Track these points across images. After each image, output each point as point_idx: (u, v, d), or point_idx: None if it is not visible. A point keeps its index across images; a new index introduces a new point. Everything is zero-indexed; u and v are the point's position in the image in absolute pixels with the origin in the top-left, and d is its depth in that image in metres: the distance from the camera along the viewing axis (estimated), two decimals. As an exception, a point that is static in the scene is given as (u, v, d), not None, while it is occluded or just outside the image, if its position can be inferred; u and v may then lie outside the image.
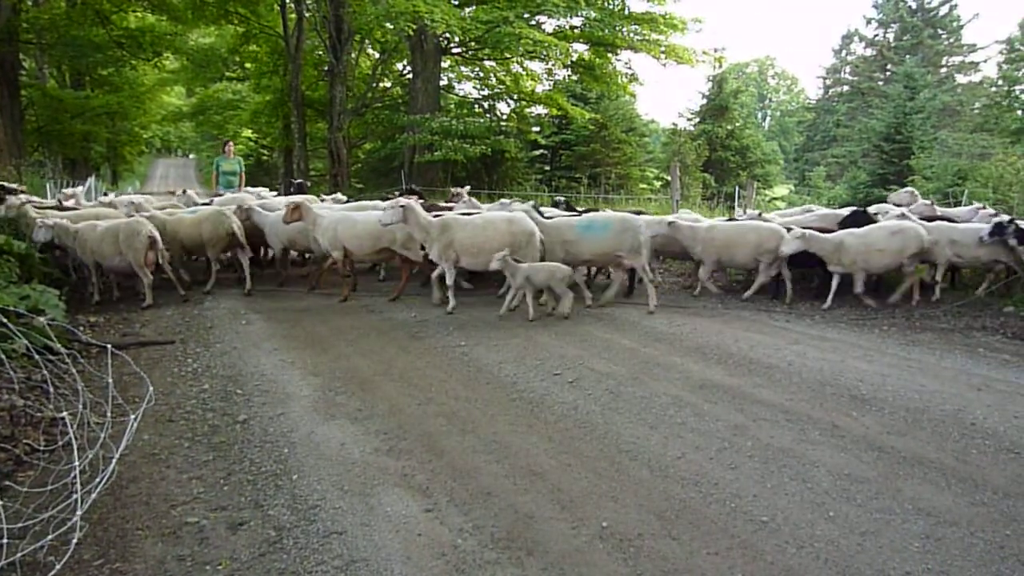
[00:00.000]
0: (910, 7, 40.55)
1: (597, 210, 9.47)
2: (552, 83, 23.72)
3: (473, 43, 19.70)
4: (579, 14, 18.54)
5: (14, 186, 8.81)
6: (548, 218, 7.91)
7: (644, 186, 27.44)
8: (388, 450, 4.00)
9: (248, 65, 27.65)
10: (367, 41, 23.22)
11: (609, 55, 20.68)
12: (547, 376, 5.25)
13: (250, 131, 32.96)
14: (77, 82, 28.42)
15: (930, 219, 7.78)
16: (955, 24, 39.40)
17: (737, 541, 3.05)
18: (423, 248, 7.56)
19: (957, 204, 11.82)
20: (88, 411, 3.78)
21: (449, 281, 7.31)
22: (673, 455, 3.90)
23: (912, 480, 3.58)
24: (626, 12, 18.96)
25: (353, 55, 21.78)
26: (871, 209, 8.90)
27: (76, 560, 2.90)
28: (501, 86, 24.31)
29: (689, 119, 34.36)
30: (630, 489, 3.52)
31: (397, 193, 11.05)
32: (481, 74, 24.55)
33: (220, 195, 11.53)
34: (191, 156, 58.66)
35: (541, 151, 26.87)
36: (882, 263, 7.19)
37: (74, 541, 2.79)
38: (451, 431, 4.26)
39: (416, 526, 3.18)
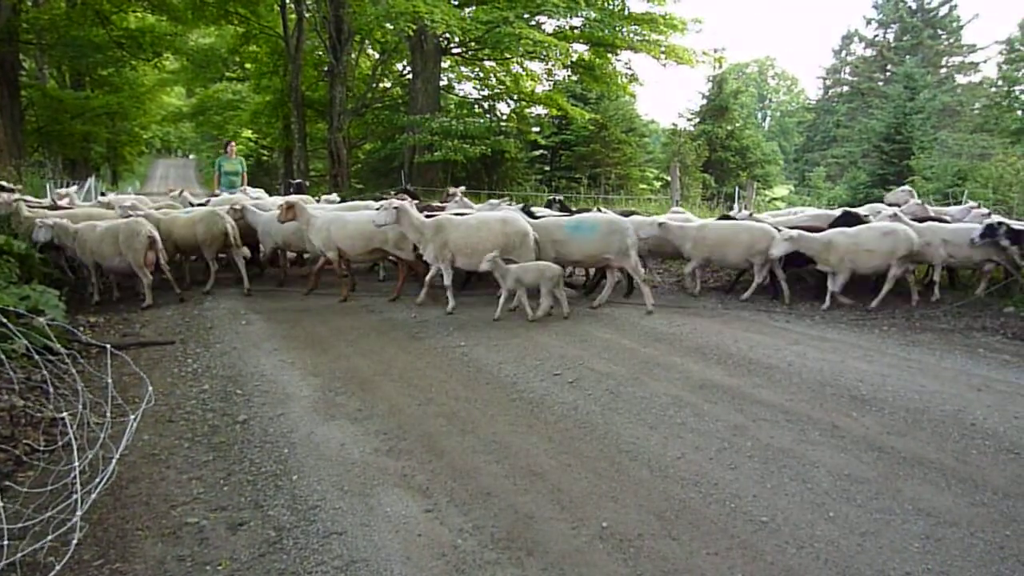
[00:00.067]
0: (910, 7, 40.58)
1: (590, 211, 9.45)
2: (552, 83, 23.76)
3: (473, 43, 19.71)
4: (579, 14, 18.55)
5: (7, 184, 8.80)
6: (538, 218, 7.92)
7: (644, 186, 27.42)
8: (388, 450, 4.00)
9: (248, 65, 27.65)
10: (367, 41, 23.22)
11: (609, 55, 20.69)
12: (547, 376, 5.25)
13: (250, 131, 32.96)
14: (77, 82, 28.43)
15: (921, 220, 7.78)
16: (955, 24, 39.44)
17: (737, 541, 3.05)
18: (415, 248, 7.57)
19: (957, 204, 11.82)
20: (88, 411, 3.78)
21: (447, 281, 7.31)
22: (673, 455, 3.90)
23: (912, 480, 3.58)
24: (626, 12, 18.97)
25: (353, 55, 21.78)
26: (863, 209, 8.91)
27: (76, 560, 2.90)
28: (501, 86, 24.32)
29: (689, 119, 34.39)
30: (630, 489, 3.52)
31: (392, 193, 11.05)
32: (481, 74, 24.56)
33: (217, 195, 11.55)
34: (191, 156, 58.67)
35: (541, 151, 26.87)
36: (871, 264, 7.18)
37: (74, 541, 2.79)
38: (451, 431, 4.26)
39: (416, 526, 3.18)
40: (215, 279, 8.54)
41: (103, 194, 13.67)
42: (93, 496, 3.04)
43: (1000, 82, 29.77)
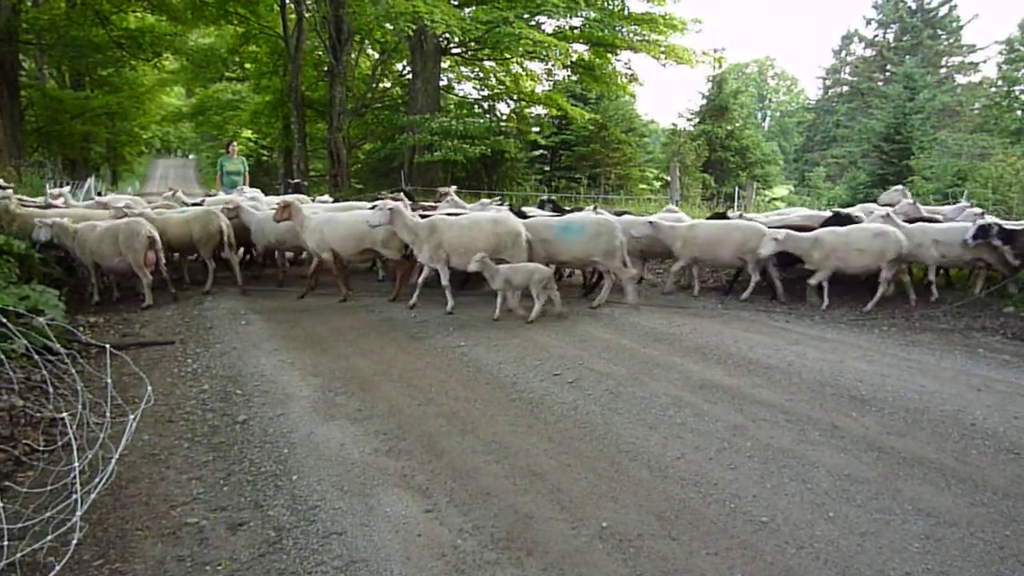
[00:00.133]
0: (910, 8, 40.57)
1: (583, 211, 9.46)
2: (552, 83, 23.75)
3: (473, 43, 19.69)
4: (579, 14, 18.53)
5: (1, 182, 8.80)
6: (528, 217, 7.94)
7: (644, 186, 27.42)
8: (388, 450, 4.00)
9: (248, 65, 27.65)
10: (367, 41, 23.21)
11: (609, 55, 20.68)
12: (547, 376, 5.25)
13: (250, 131, 32.96)
14: (77, 82, 28.45)
15: (912, 220, 7.78)
16: (955, 24, 39.42)
17: (737, 541, 3.05)
18: (407, 248, 7.60)
19: (957, 204, 11.82)
20: (87, 411, 3.78)
21: (445, 282, 7.31)
22: (673, 455, 3.90)
23: (912, 481, 3.58)
24: (626, 12, 18.96)
25: (353, 55, 21.77)
26: (855, 209, 8.90)
27: (76, 560, 2.90)
28: (501, 86, 24.31)
29: (689, 119, 34.41)
30: (630, 489, 3.52)
31: (385, 194, 11.07)
32: (481, 74, 24.55)
33: (213, 195, 11.59)
34: (191, 156, 58.66)
35: (541, 151, 26.86)
36: (860, 263, 7.19)
37: (74, 542, 2.79)
38: (451, 431, 4.26)
39: (416, 526, 3.18)
40: (214, 278, 8.55)
41: (99, 194, 13.67)
42: (93, 496, 3.04)
43: (1000, 82, 29.77)
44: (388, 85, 25.69)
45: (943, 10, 39.44)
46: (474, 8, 18.95)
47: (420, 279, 7.58)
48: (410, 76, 21.77)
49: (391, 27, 18.22)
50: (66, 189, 11.24)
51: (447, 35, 18.81)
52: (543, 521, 3.23)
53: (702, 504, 3.37)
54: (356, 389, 5.03)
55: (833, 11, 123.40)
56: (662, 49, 19.12)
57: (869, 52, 43.44)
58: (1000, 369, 5.42)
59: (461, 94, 26.11)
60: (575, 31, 20.00)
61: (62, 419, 3.79)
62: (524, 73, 23.36)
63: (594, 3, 18.70)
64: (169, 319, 7.21)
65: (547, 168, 27.28)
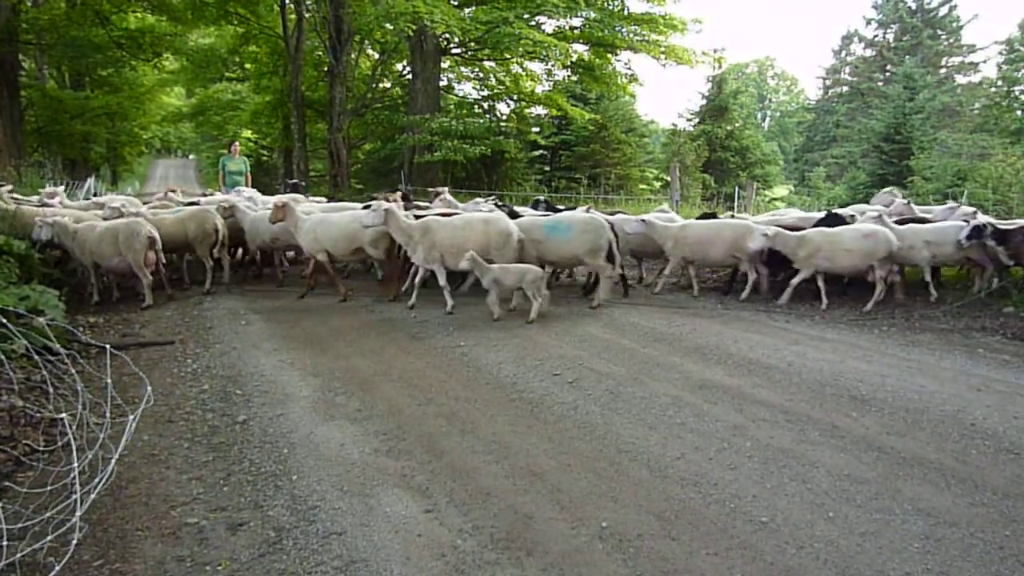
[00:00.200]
0: (910, 8, 40.60)
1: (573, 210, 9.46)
2: (552, 83, 23.76)
3: (473, 43, 19.69)
4: (579, 15, 18.54)
5: None
6: (521, 218, 7.95)
7: (644, 187, 27.43)
8: (388, 451, 4.00)
9: (248, 66, 27.66)
10: (367, 42, 23.21)
11: (609, 56, 20.68)
12: (547, 376, 5.25)
13: (250, 132, 32.97)
14: (77, 83, 28.43)
15: (902, 222, 7.78)
16: (955, 25, 39.46)
17: (737, 541, 3.05)
18: (400, 249, 7.62)
19: (969, 206, 11.82)
20: (87, 412, 3.78)
21: (442, 282, 7.31)
22: (673, 455, 3.90)
23: (912, 481, 3.58)
24: (626, 13, 18.96)
25: (353, 56, 21.77)
26: (847, 211, 8.91)
27: (76, 561, 2.90)
28: (501, 86, 24.30)
29: (689, 120, 34.43)
30: (630, 489, 3.52)
31: (382, 195, 11.11)
32: (481, 74, 24.55)
33: (208, 195, 11.64)
34: (191, 157, 58.64)
35: (541, 152, 26.87)
36: (849, 263, 7.19)
37: (74, 542, 2.79)
38: (451, 431, 4.26)
39: (416, 527, 3.18)
40: (213, 278, 8.56)
41: (95, 194, 13.66)
42: (92, 496, 3.04)
43: (1000, 82, 29.80)
44: (388, 85, 25.70)
45: (943, 10, 39.48)
46: (474, 8, 18.95)
47: (417, 279, 7.59)
48: (410, 76, 21.77)
49: (391, 27, 18.22)
50: (61, 188, 11.24)
51: (447, 35, 18.82)
52: (543, 521, 3.23)
53: (702, 504, 3.37)
54: (356, 389, 5.03)
55: (833, 11, 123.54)
56: (662, 49, 19.13)
57: (869, 52, 43.47)
58: (1000, 369, 5.42)
59: (461, 94, 26.13)
60: (575, 31, 20.01)
61: (62, 419, 3.79)
62: (524, 73, 23.37)
63: (594, 3, 18.70)
64: (169, 319, 7.21)
65: (547, 168, 27.29)
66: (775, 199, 29.34)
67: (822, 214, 8.71)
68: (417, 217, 7.71)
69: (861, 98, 40.56)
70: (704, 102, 33.19)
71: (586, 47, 20.58)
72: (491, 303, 6.90)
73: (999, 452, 3.90)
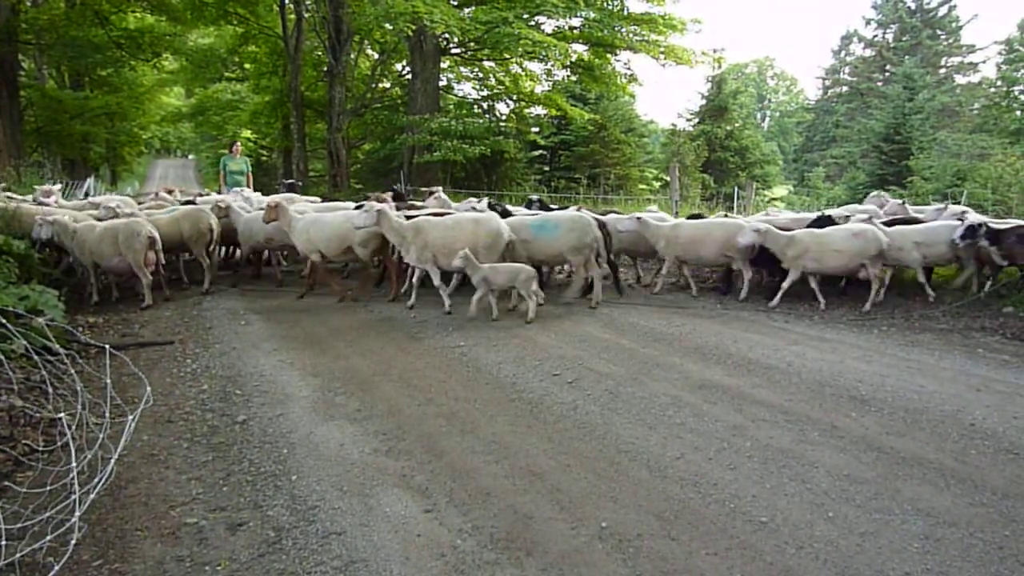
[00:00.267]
0: (909, 8, 40.62)
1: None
2: (551, 84, 23.75)
3: (472, 43, 19.68)
4: (578, 15, 18.53)
5: None
6: (511, 216, 7.96)
7: (643, 187, 27.42)
8: (387, 451, 4.00)
9: (247, 66, 27.64)
10: (366, 42, 23.20)
11: (608, 56, 20.68)
12: (546, 376, 5.25)
13: (249, 132, 32.97)
14: (76, 83, 28.41)
15: (890, 223, 7.79)
16: (954, 25, 39.48)
17: (736, 541, 3.05)
18: (394, 250, 7.64)
19: (956, 204, 11.83)
20: (87, 412, 3.78)
21: (437, 282, 7.33)
22: (672, 455, 3.90)
23: (911, 481, 3.58)
24: (625, 13, 18.96)
25: (352, 56, 21.75)
26: (840, 212, 8.91)
27: (75, 561, 2.90)
28: (500, 86, 24.30)
29: (688, 120, 34.42)
30: (629, 489, 3.52)
31: (371, 196, 11.13)
32: (480, 74, 24.54)
33: (203, 195, 11.67)
34: (190, 157, 58.61)
35: (540, 152, 26.86)
36: (838, 263, 7.19)
37: (73, 542, 2.79)
38: (450, 431, 4.26)
39: (415, 527, 3.18)
40: (211, 277, 8.57)
41: (87, 195, 13.65)
42: (92, 496, 3.04)
43: (999, 82, 29.79)
44: (387, 85, 25.69)
45: (943, 10, 39.50)
46: (474, 8, 18.94)
47: (415, 278, 7.60)
48: (409, 76, 21.76)
49: (390, 27, 18.21)
50: (56, 187, 11.23)
51: (446, 35, 18.80)
52: (543, 521, 3.23)
53: (702, 504, 3.37)
54: (355, 389, 5.03)
55: (833, 11, 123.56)
56: (661, 49, 19.12)
57: (868, 52, 43.50)
58: (999, 369, 5.42)
59: (460, 94, 26.12)
60: (575, 31, 20.01)
61: (61, 419, 3.79)
62: (523, 73, 23.36)
63: (594, 3, 18.70)
64: (168, 319, 7.21)
65: (547, 168, 27.28)
66: (774, 199, 29.31)
67: (815, 215, 8.72)
68: (408, 217, 7.71)
69: (860, 98, 40.58)
70: (703, 102, 33.19)
71: (585, 47, 20.58)
72: (475, 301, 6.91)
73: (998, 452, 3.90)
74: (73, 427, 3.46)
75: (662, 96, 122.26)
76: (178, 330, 6.76)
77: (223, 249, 10.05)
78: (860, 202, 11.21)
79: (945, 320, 6.96)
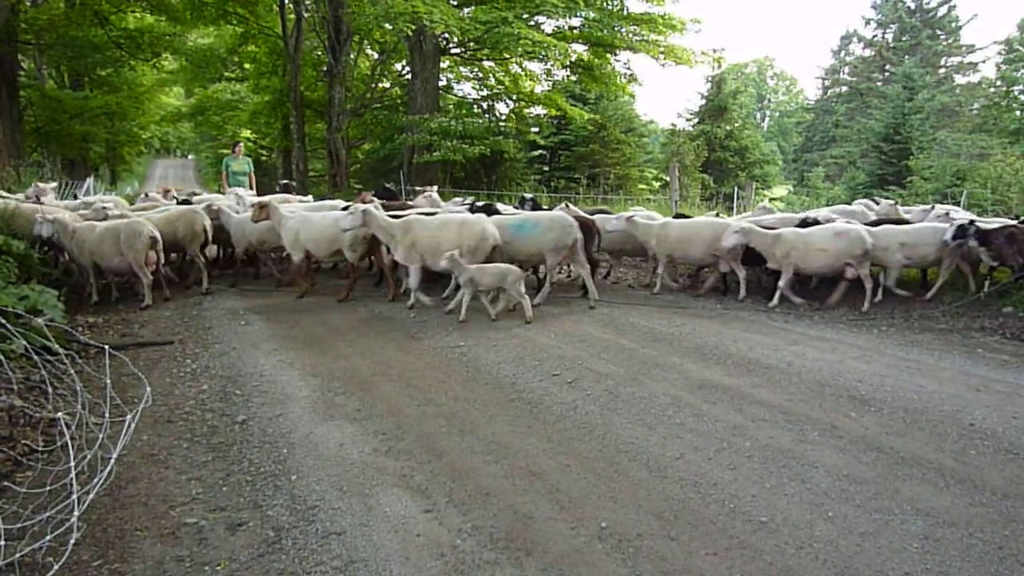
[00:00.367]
0: (909, 8, 40.61)
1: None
2: (551, 83, 23.74)
3: (472, 43, 19.69)
4: (578, 15, 18.53)
5: None
6: (498, 215, 7.98)
7: (643, 187, 27.41)
8: (387, 451, 4.00)
9: (247, 66, 27.65)
10: (366, 42, 23.20)
11: (608, 56, 20.68)
12: (546, 376, 5.25)
13: (249, 132, 32.95)
14: (76, 83, 28.41)
15: (876, 224, 7.78)
16: (954, 25, 39.47)
17: (736, 541, 3.05)
18: (388, 251, 7.66)
19: (956, 204, 11.83)
20: (86, 412, 3.78)
21: (414, 283, 7.36)
22: (672, 455, 3.90)
23: (911, 481, 3.58)
24: (625, 13, 18.97)
25: (352, 56, 21.75)
26: (823, 213, 8.91)
27: (74, 560, 2.90)
28: (500, 86, 24.29)
29: (688, 120, 34.41)
30: (629, 489, 3.52)
31: (359, 197, 11.13)
32: (480, 74, 24.53)
33: (196, 195, 11.69)
34: (190, 157, 58.61)
35: (540, 151, 26.85)
36: (823, 263, 7.20)
37: (72, 542, 2.79)
38: (450, 431, 4.26)
39: (415, 526, 3.18)
40: (209, 277, 8.57)
41: (85, 194, 13.65)
42: (91, 496, 3.04)
43: (999, 82, 29.79)
44: (387, 85, 25.69)
45: (942, 10, 39.50)
46: (473, 8, 18.94)
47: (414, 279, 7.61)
48: (409, 76, 21.76)
49: (390, 27, 18.22)
50: (52, 184, 11.21)
51: (446, 35, 18.80)
52: (542, 521, 3.23)
53: (701, 504, 3.37)
54: (355, 389, 5.03)
55: (832, 11, 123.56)
56: (661, 49, 19.12)
57: (868, 52, 43.48)
58: (999, 369, 5.42)
59: (460, 94, 26.12)
60: (574, 31, 20.01)
61: (61, 419, 3.79)
62: (523, 73, 23.36)
63: (593, 3, 18.70)
64: (168, 319, 7.20)
65: (546, 168, 27.26)
66: (774, 199, 29.29)
67: (803, 215, 8.72)
68: (396, 217, 7.71)
69: (860, 98, 40.57)
70: (703, 102, 33.18)
71: (585, 47, 20.58)
72: (462, 303, 6.91)
73: (998, 452, 3.90)
74: (73, 427, 3.46)
75: (662, 96, 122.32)
76: (178, 330, 6.76)
77: (220, 250, 10.04)
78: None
79: (945, 320, 6.96)
